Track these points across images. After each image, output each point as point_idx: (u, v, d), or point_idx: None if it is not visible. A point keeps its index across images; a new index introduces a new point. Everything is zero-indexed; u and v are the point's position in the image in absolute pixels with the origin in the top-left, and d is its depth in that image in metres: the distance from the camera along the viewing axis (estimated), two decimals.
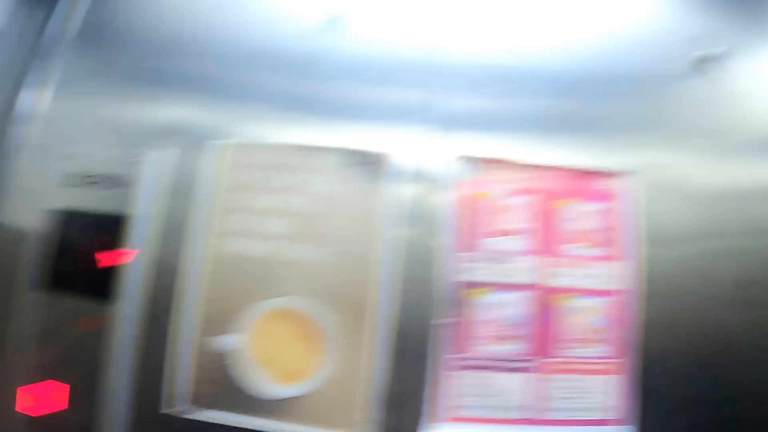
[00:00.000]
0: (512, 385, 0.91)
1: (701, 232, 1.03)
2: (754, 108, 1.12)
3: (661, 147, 1.07)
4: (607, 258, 0.97)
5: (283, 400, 0.86)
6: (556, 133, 1.04)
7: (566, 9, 1.12)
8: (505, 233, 0.96)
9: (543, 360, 0.93)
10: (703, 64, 1.11)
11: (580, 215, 0.98)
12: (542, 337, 0.94)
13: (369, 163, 0.94)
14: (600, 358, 0.94)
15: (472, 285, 0.93)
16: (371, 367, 0.88)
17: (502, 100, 1.04)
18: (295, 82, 1.00)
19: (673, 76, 1.11)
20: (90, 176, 0.97)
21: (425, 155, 0.98)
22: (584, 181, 1.00)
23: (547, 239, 0.97)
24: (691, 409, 0.95)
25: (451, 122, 1.01)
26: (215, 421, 0.86)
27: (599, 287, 0.96)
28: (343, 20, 1.04)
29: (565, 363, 0.93)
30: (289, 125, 0.98)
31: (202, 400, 0.86)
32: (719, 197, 1.06)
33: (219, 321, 0.88)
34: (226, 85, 1.00)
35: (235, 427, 0.86)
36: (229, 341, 0.87)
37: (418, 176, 0.96)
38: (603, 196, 1.00)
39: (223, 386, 0.86)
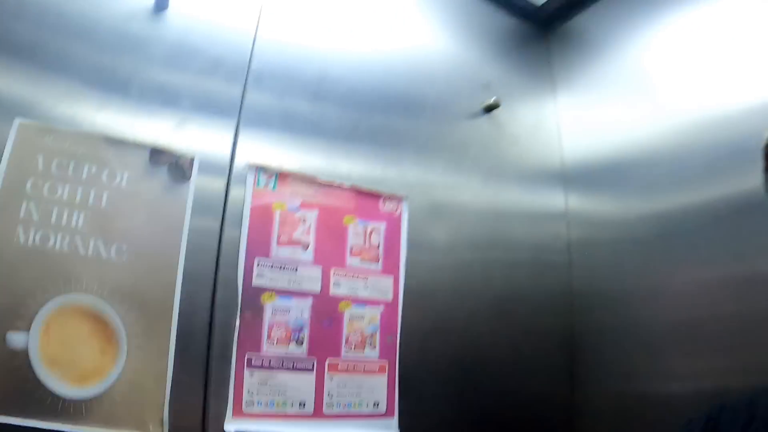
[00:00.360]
0: (295, 383, 0.98)
1: (463, 246, 1.18)
2: (520, 148, 1.35)
3: (442, 170, 1.22)
4: (381, 272, 1.10)
5: (77, 402, 0.81)
6: (354, 143, 1.10)
7: (382, 34, 1.20)
8: (295, 243, 1.02)
9: (323, 361, 1.01)
10: (487, 107, 1.31)
11: (363, 232, 1.10)
12: (323, 341, 1.02)
13: (174, 164, 0.92)
14: (372, 360, 1.06)
15: (263, 288, 0.98)
16: (165, 367, 0.85)
17: (308, 107, 1.07)
18: (113, 62, 0.93)
19: (462, 113, 1.29)
20: None
21: (230, 159, 0.98)
22: (369, 201, 1.11)
23: (332, 252, 1.06)
24: (446, 403, 1.11)
25: (259, 125, 1.02)
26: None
27: (374, 297, 1.08)
28: (170, 5, 0.99)
29: (343, 364, 1.03)
30: (101, 106, 0.91)
31: None
32: (483, 217, 1.23)
33: (6, 317, 0.80)
34: (40, 56, 0.91)
35: None
36: (19, 339, 0.80)
37: (221, 179, 0.97)
38: (384, 217, 1.12)
39: (12, 388, 0.79)
